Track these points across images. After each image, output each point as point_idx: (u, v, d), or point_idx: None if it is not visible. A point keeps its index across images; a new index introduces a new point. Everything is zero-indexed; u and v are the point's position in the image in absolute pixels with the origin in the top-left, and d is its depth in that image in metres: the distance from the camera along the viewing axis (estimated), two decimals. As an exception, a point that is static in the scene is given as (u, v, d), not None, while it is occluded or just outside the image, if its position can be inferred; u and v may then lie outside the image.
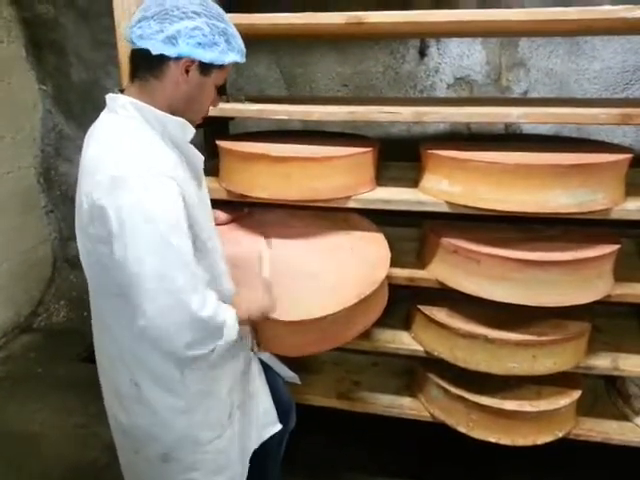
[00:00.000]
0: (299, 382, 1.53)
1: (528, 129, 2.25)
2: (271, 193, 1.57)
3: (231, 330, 1.04)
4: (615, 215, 1.43)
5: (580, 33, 2.01)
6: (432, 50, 2.31)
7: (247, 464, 1.31)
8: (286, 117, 1.58)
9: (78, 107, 2.93)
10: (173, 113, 1.03)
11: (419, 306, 1.71)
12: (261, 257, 1.50)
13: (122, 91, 1.05)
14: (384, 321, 1.60)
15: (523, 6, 2.09)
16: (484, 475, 1.92)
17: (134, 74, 1.03)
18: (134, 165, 0.93)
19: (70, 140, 3.00)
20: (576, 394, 1.67)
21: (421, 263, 1.71)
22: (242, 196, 1.64)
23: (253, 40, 1.46)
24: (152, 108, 1.00)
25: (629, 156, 1.44)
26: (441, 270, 1.61)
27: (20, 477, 1.96)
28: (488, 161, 1.43)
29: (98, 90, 2.78)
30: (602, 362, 1.63)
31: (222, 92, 1.95)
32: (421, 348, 1.72)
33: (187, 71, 0.99)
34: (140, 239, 0.91)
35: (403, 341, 1.76)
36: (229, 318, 1.04)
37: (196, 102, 1.06)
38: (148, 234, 0.91)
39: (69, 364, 2.64)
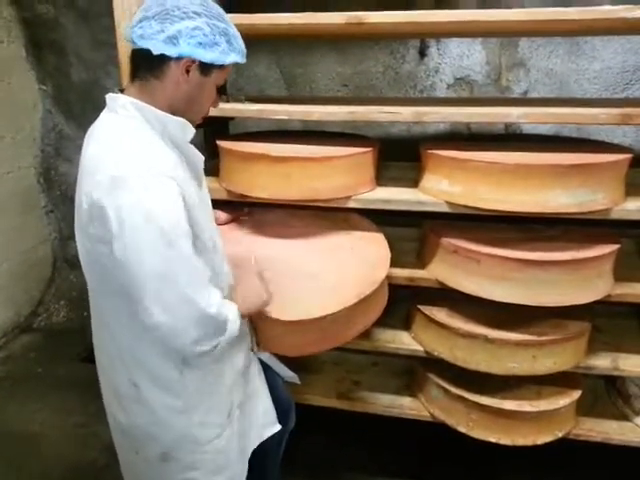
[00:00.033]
0: (299, 382, 1.53)
1: (528, 129, 2.25)
2: (271, 193, 1.57)
3: (234, 325, 1.05)
4: (615, 215, 1.43)
5: (580, 33, 2.02)
6: (432, 50, 2.31)
7: (247, 464, 1.31)
8: (286, 117, 1.59)
9: (78, 107, 2.93)
10: (173, 113, 1.03)
11: (419, 306, 1.71)
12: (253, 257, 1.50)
13: (122, 91, 1.05)
14: (384, 321, 1.60)
15: (523, 6, 2.09)
16: (484, 475, 1.92)
17: (134, 74, 1.03)
18: (134, 165, 0.93)
19: (70, 140, 3.00)
20: (576, 394, 1.67)
21: (421, 263, 1.71)
22: (242, 196, 1.64)
23: (253, 40, 1.46)
24: (152, 108, 1.00)
25: (629, 156, 1.44)
26: (441, 270, 1.61)
27: (20, 477, 1.96)
28: (488, 161, 1.43)
29: (98, 90, 2.78)
30: (602, 362, 1.63)
31: (222, 92, 1.95)
32: (421, 348, 1.72)
33: (187, 71, 0.99)
34: (140, 239, 0.91)
35: (403, 341, 1.76)
36: (231, 313, 1.05)
37: (196, 102, 1.06)
38: (148, 234, 0.91)
39: (69, 364, 2.64)
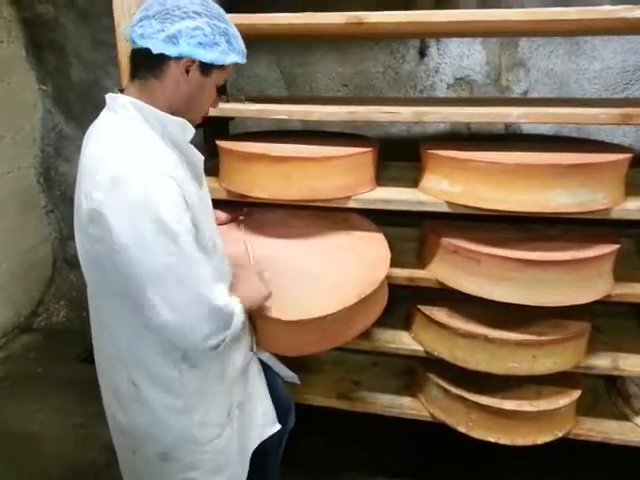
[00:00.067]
0: (299, 382, 1.53)
1: (528, 129, 2.25)
2: (271, 193, 1.57)
3: (239, 318, 1.06)
4: (615, 215, 1.43)
5: (580, 33, 2.02)
6: (432, 50, 2.31)
7: (247, 464, 1.31)
8: (286, 117, 1.59)
9: (78, 107, 2.93)
10: (173, 113, 1.03)
11: (419, 306, 1.71)
12: (247, 249, 1.49)
13: (122, 91, 1.04)
14: (384, 321, 1.59)
15: (523, 6, 2.09)
16: (484, 475, 1.92)
17: (134, 74, 1.03)
18: (134, 165, 0.93)
19: (70, 140, 3.00)
20: (576, 394, 1.67)
21: (421, 263, 1.71)
22: (242, 196, 1.64)
23: (253, 40, 1.46)
24: (152, 108, 1.00)
25: (629, 156, 1.44)
26: (441, 270, 1.61)
27: (20, 477, 1.96)
28: (488, 161, 1.43)
29: (98, 90, 2.78)
30: (602, 362, 1.63)
31: (222, 92, 1.95)
32: (421, 348, 1.72)
33: (187, 71, 0.99)
34: (142, 239, 0.91)
35: (403, 341, 1.76)
36: (237, 307, 1.07)
37: (196, 102, 1.06)
38: (150, 233, 0.91)
39: (69, 364, 2.64)
